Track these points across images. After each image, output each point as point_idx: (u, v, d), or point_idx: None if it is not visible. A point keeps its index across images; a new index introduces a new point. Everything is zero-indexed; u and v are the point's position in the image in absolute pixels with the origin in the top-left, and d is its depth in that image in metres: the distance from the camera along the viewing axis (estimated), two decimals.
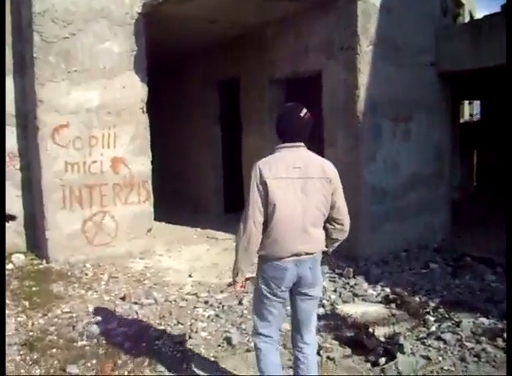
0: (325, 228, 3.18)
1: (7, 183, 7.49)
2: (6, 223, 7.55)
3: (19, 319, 5.20)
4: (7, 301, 5.68)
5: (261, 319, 3.21)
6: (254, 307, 3.29)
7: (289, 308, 3.44)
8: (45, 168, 6.93)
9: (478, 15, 15.36)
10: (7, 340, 4.68)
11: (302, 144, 3.10)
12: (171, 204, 10.45)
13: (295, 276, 3.08)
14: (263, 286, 3.13)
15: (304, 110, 3.09)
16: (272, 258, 3.06)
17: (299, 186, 3.01)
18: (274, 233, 3.02)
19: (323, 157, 3.24)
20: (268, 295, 3.12)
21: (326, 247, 3.22)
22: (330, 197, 3.09)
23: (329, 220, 3.17)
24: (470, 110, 19.08)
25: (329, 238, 3.21)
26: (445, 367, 4.04)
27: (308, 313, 3.23)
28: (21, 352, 4.45)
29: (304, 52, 7.66)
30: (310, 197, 3.02)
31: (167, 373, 4.07)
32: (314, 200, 3.03)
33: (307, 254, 3.07)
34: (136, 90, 7.36)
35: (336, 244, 3.29)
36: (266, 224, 3.04)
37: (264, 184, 2.98)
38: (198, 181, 10.91)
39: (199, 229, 9.31)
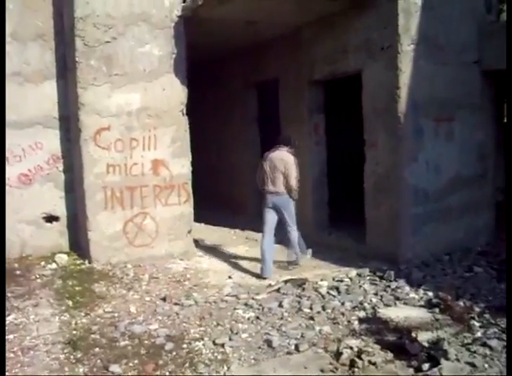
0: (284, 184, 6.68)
1: (51, 184, 7.68)
2: (50, 224, 7.73)
3: (62, 318, 5.32)
4: (51, 301, 5.82)
5: (263, 224, 6.84)
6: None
7: None
8: (87, 170, 7.06)
9: None
10: (51, 338, 4.80)
11: (282, 146, 6.78)
12: (210, 205, 10.48)
13: (271, 203, 6.70)
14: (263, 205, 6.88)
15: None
16: (264, 194, 6.80)
17: (272, 164, 6.68)
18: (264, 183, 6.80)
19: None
20: (264, 208, 6.80)
21: (288, 193, 6.66)
22: (285, 170, 6.59)
23: (285, 181, 6.62)
24: None
25: (286, 188, 6.64)
26: (492, 374, 3.92)
27: (284, 218, 6.76)
28: (65, 351, 4.54)
29: (343, 53, 7.57)
30: (276, 169, 6.64)
31: (207, 374, 4.08)
32: (278, 170, 6.62)
33: (275, 193, 6.67)
34: (176, 92, 7.42)
35: (290, 191, 6.64)
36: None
37: (261, 165, 6.83)
38: (237, 182, 10.93)
39: (238, 231, 9.34)
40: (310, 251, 7.35)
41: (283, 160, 6.60)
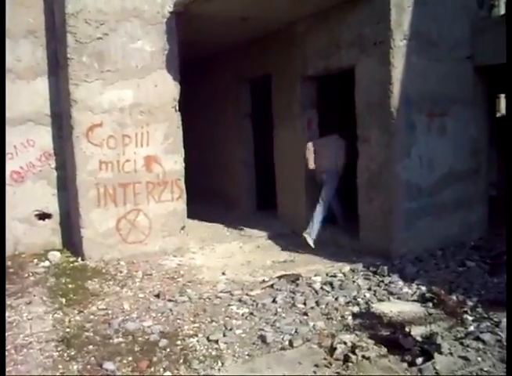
0: None
1: (43, 182, 7.64)
2: (42, 221, 7.70)
3: (56, 315, 5.29)
4: (44, 298, 5.79)
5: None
6: None
7: None
8: (79, 167, 7.03)
9: None
10: (44, 336, 4.78)
11: (334, 134, 7.89)
12: (203, 202, 10.46)
13: (321, 180, 7.85)
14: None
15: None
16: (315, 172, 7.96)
17: (327, 144, 7.89)
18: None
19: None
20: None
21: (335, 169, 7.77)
22: (338, 150, 7.80)
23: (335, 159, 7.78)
24: None
25: (336, 165, 7.76)
26: (485, 368, 3.93)
27: (322, 191, 7.79)
28: (58, 349, 4.53)
29: (336, 48, 7.56)
30: (329, 148, 7.83)
31: (202, 370, 4.08)
32: (331, 149, 7.81)
33: (324, 169, 7.79)
34: (169, 88, 7.40)
35: (337, 167, 7.82)
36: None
37: (312, 145, 8.01)
38: (230, 178, 10.92)
39: (231, 227, 9.33)
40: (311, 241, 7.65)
41: (338, 142, 7.82)
